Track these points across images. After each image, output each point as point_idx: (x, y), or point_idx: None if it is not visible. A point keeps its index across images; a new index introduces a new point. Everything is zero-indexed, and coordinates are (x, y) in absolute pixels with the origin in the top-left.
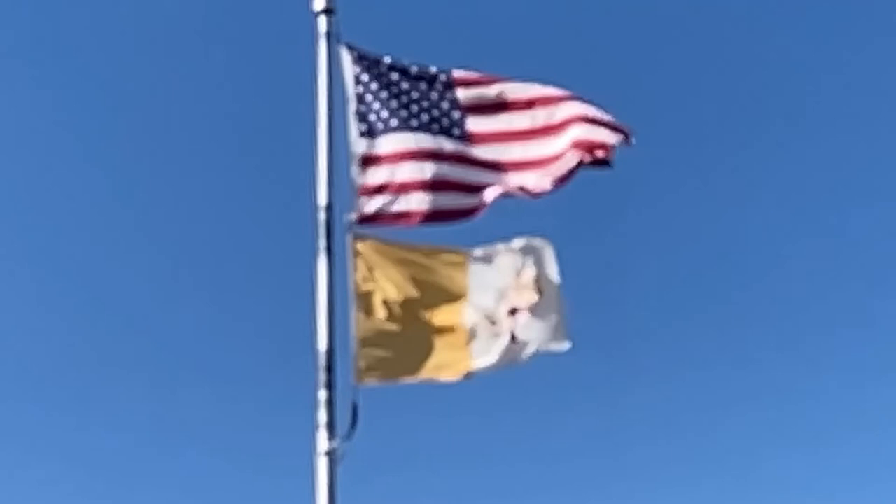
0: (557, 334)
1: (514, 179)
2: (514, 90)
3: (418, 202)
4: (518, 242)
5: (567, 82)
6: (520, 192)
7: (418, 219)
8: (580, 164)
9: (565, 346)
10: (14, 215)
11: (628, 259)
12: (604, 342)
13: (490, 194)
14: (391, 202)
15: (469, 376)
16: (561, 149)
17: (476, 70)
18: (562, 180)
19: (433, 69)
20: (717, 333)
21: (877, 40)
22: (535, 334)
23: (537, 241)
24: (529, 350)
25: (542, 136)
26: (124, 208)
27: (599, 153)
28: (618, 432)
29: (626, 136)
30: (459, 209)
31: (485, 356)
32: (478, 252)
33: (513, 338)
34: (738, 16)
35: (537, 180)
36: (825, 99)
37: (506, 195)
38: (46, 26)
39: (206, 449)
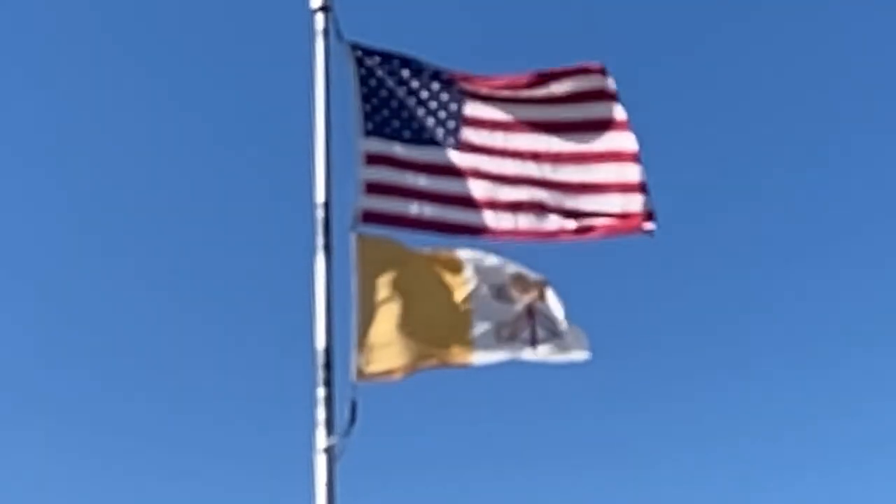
0: (576, 343)
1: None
2: (531, 112)
3: (447, 214)
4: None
5: None
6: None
7: (443, 229)
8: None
9: (584, 356)
10: (9, 213)
11: (630, 257)
12: (610, 345)
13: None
14: (405, 205)
15: (469, 365)
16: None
17: (485, 70)
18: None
19: (445, 75)
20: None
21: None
22: (548, 336)
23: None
24: (542, 350)
25: (553, 163)
26: (120, 206)
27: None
28: (625, 435)
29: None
30: (478, 227)
31: (488, 350)
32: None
33: (526, 334)
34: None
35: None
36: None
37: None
38: (45, 23)
39: (204, 446)
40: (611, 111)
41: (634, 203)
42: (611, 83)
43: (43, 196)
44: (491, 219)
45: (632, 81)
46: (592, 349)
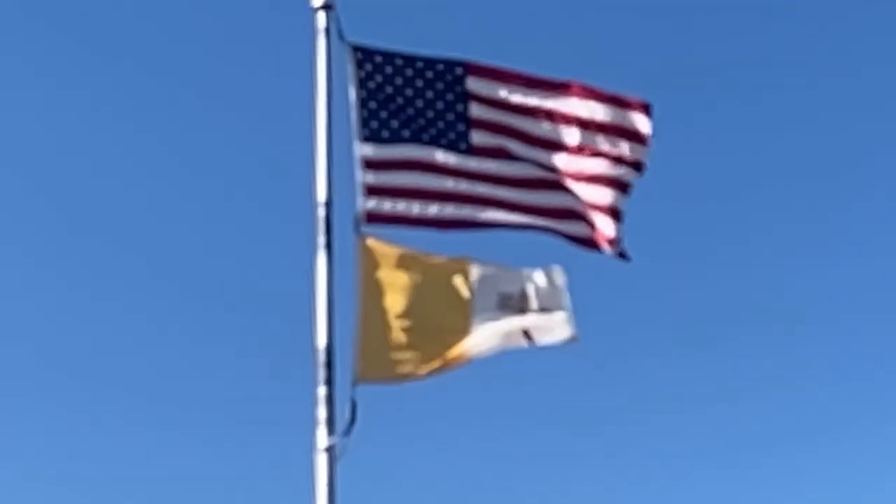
0: (565, 328)
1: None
2: (534, 125)
3: (450, 211)
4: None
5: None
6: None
7: (447, 225)
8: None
9: (571, 337)
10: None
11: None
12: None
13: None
14: (407, 205)
15: (467, 361)
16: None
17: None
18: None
19: (449, 77)
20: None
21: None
22: (544, 331)
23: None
24: (538, 341)
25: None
26: (123, 205)
27: (607, 247)
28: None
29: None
30: (486, 222)
31: (485, 347)
32: (481, 262)
33: (523, 333)
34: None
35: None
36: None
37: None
38: (45, 23)
39: (204, 445)
40: (633, 149)
41: (609, 228)
42: (646, 125)
43: (41, 198)
44: (492, 214)
45: (628, 84)
46: None
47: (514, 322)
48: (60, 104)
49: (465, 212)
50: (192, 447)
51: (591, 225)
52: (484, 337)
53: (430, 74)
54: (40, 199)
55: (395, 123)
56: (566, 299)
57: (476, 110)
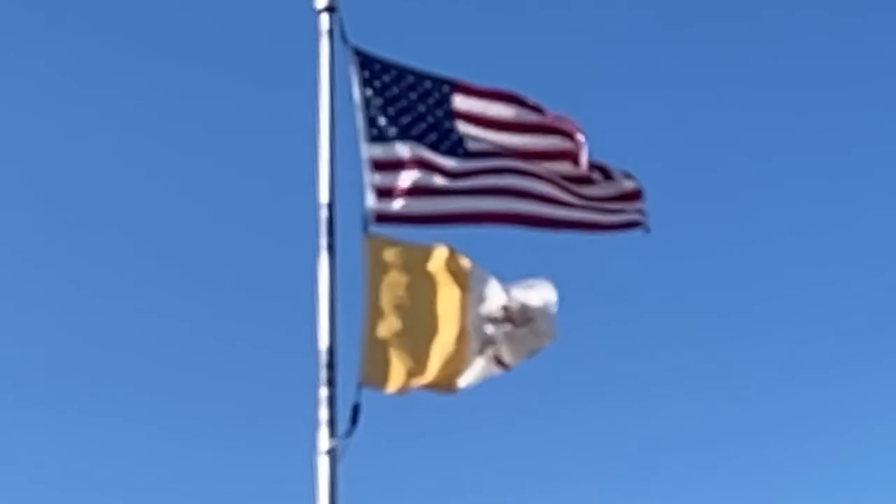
0: (544, 336)
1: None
2: (520, 141)
3: (458, 207)
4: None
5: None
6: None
7: (456, 221)
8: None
9: (550, 341)
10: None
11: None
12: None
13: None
14: (416, 203)
15: (455, 391)
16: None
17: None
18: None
19: (437, 95)
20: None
21: None
22: (521, 348)
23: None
24: (515, 361)
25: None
26: (126, 206)
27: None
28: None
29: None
30: (505, 214)
31: (471, 371)
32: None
33: (497, 359)
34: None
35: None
36: None
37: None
38: (46, 25)
39: (206, 446)
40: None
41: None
42: (585, 158)
43: (40, 198)
44: (500, 205)
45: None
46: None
47: (496, 343)
48: (65, 103)
49: (472, 206)
50: (193, 448)
51: (600, 210)
52: (472, 369)
53: (420, 90)
54: (42, 197)
55: (402, 122)
56: (551, 307)
57: (462, 127)
